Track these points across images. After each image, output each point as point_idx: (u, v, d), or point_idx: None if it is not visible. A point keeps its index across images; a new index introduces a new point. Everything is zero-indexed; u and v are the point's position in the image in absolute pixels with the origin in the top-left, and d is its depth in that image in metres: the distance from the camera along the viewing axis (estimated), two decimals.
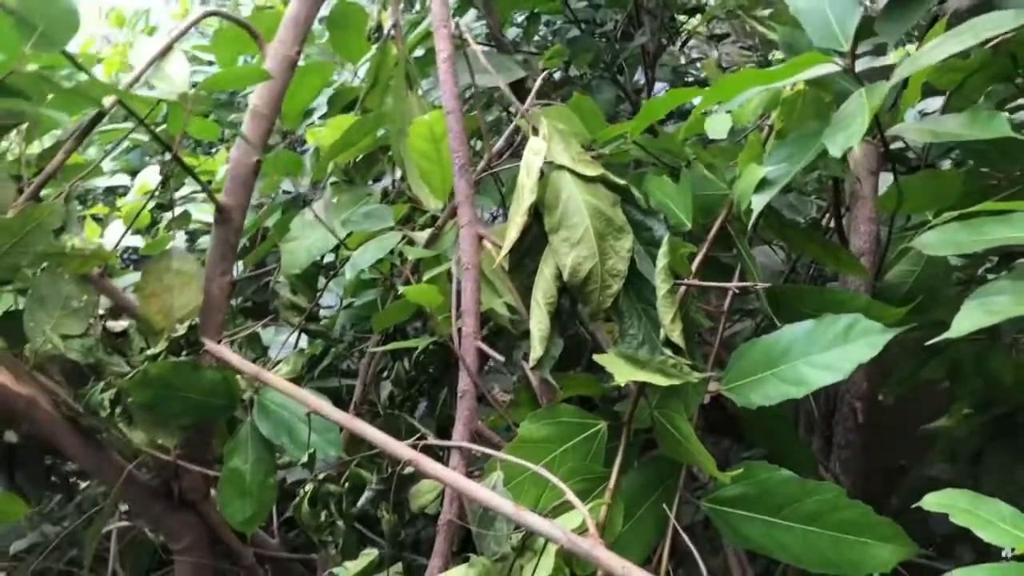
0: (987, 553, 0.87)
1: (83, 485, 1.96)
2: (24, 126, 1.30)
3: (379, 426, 1.03)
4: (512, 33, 2.14)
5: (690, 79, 2.52)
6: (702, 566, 0.91)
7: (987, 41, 1.11)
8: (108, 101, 1.21)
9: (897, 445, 1.84)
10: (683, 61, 2.59)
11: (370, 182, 1.67)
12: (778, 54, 2.46)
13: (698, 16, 2.44)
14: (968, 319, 0.80)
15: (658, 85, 2.32)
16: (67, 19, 1.08)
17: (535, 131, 1.14)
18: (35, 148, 1.43)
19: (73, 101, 1.20)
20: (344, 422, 1.10)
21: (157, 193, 1.91)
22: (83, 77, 1.18)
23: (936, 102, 1.60)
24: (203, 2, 3.22)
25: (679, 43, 2.57)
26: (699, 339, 1.37)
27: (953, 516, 0.83)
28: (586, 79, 2.15)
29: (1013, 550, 0.77)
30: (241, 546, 1.49)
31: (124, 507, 1.84)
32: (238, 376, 1.28)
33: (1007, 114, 1.46)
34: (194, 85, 1.21)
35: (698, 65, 2.64)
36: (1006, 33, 0.92)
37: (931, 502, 0.85)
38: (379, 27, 1.50)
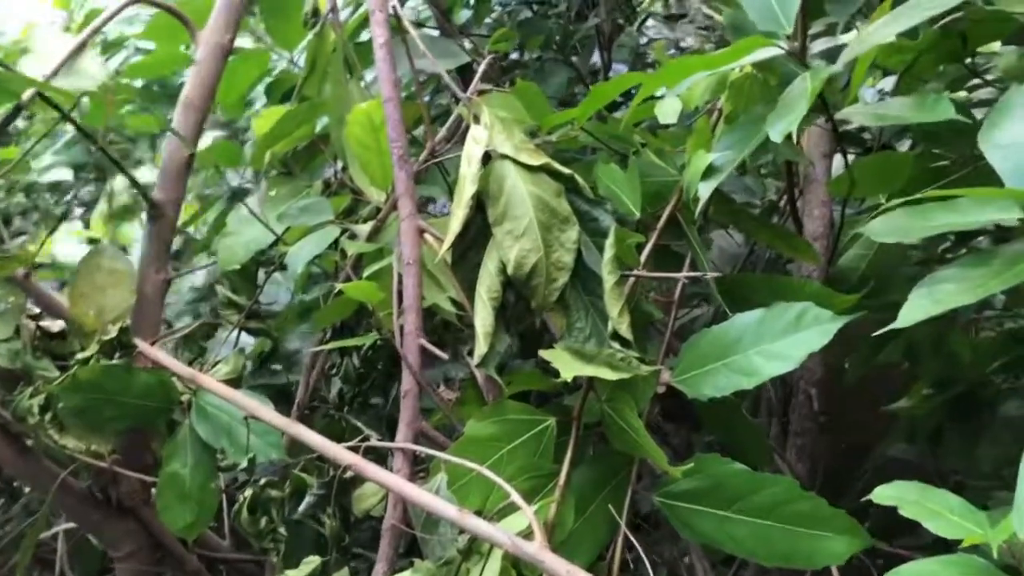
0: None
1: (27, 488, 1.90)
2: None
3: (326, 425, 1.00)
4: (464, 16, 2.08)
5: (650, 60, 2.48)
6: (647, 564, 0.89)
7: (935, 20, 1.09)
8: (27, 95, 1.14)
9: (859, 426, 1.84)
10: (642, 42, 2.55)
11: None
12: None
13: None
14: (915, 309, 0.79)
15: (617, 67, 2.27)
16: None
17: (476, 119, 1.10)
18: None
19: None
20: (283, 426, 1.06)
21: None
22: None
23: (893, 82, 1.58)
24: None
25: (636, 24, 2.52)
26: (654, 329, 1.35)
27: (902, 509, 0.82)
28: (539, 62, 2.10)
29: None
30: (184, 552, 1.45)
31: None
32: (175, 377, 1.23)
33: (963, 93, 1.46)
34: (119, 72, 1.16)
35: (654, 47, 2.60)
36: (952, 12, 0.90)
37: (881, 495, 0.84)
38: (315, 11, 1.44)
